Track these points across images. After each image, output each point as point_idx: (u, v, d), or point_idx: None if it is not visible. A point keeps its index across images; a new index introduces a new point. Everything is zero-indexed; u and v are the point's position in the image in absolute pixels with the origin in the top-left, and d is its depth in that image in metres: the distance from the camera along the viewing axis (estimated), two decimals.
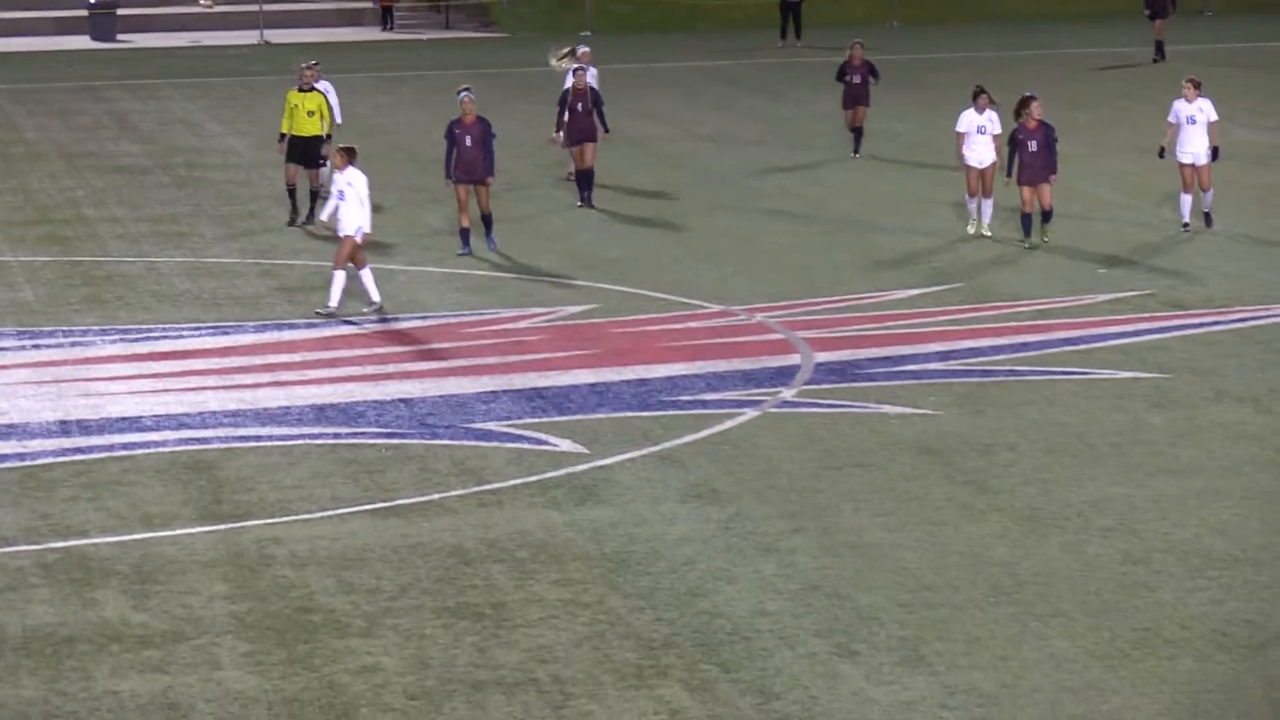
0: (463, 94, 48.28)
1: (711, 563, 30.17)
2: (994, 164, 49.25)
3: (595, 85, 53.04)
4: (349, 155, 44.05)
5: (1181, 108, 48.10)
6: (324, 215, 44.35)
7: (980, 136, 49.37)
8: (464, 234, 48.08)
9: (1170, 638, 27.25)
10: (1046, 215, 47.37)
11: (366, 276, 43.57)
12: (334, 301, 43.38)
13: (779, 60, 62.84)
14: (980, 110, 49.86)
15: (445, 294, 45.70)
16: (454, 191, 48.18)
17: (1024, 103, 47.03)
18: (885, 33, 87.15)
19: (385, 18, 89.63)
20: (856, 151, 58.95)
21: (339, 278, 43.39)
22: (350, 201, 43.12)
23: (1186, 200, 47.65)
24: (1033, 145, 46.02)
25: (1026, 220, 47.09)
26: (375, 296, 43.60)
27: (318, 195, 50.43)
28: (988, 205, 49.31)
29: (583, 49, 53.27)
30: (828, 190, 54.96)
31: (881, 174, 57.16)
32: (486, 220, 48.22)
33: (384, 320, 43.67)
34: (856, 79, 57.46)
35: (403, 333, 42.82)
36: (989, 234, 49.07)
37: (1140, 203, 47.63)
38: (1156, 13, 78.27)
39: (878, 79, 58.90)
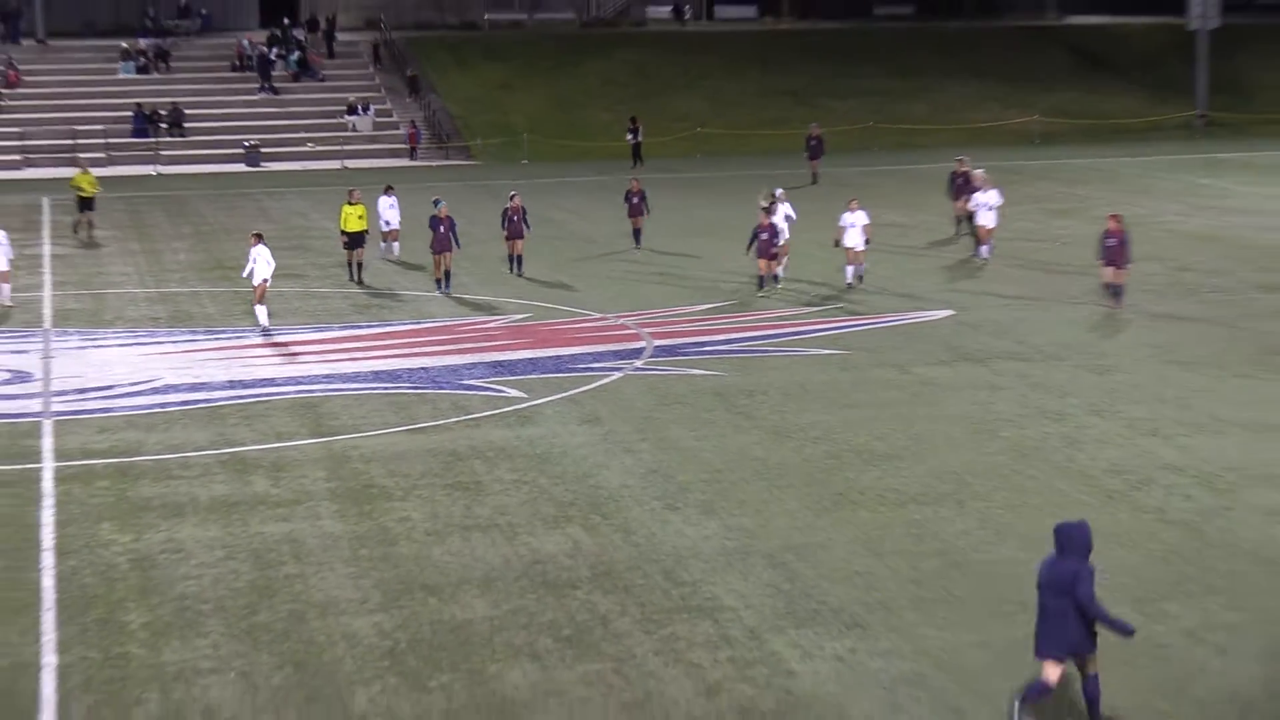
0: (440, 203, 48.80)
1: (596, 458, 30.58)
2: (785, 244, 47.57)
3: (794, 213, 50.28)
4: (259, 237, 43.94)
5: (846, 217, 47.24)
6: (249, 275, 44.06)
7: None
8: (437, 282, 48.01)
9: (854, 500, 27.72)
10: (775, 277, 46.76)
11: (261, 309, 43.07)
12: (264, 322, 42.97)
13: (635, 177, 62.42)
14: (775, 207, 47.91)
15: (446, 308, 45.81)
16: (433, 259, 48.34)
17: (766, 212, 46.48)
18: (693, 161, 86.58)
19: (412, 153, 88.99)
20: (638, 246, 55.85)
21: (259, 310, 43.07)
22: (259, 264, 42.78)
23: (849, 269, 47.09)
24: (765, 235, 45.69)
25: (762, 280, 46.22)
26: (264, 322, 43.04)
27: (362, 264, 50.53)
28: (780, 269, 47.38)
29: (780, 191, 51.88)
30: (664, 252, 54.64)
31: (692, 243, 56.73)
32: (448, 274, 48.08)
33: (410, 321, 43.79)
34: (635, 200, 55.16)
35: (422, 330, 42.92)
36: (780, 285, 47.34)
37: (838, 260, 47.49)
38: (813, 155, 75.98)
39: (647, 204, 55.83)
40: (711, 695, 20.11)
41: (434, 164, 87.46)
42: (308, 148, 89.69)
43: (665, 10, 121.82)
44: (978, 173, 54.92)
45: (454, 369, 38.50)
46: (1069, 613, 18.15)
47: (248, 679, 20.81)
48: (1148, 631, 21.76)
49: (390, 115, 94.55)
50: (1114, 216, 44.02)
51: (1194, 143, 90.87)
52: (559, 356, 39.63)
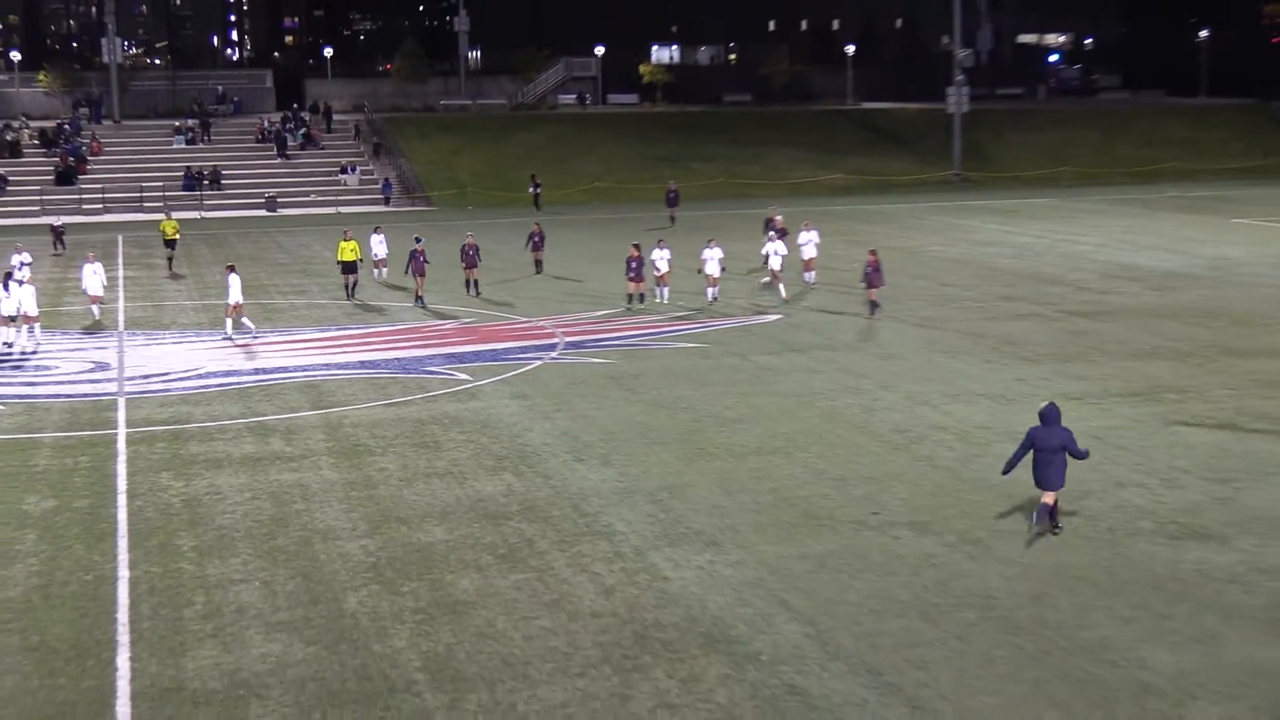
0: (421, 240, 48.57)
1: (522, 424, 30.40)
2: (667, 273, 46.66)
3: (818, 238, 49.72)
4: (232, 268, 42.60)
5: (706, 252, 46.34)
6: (232, 299, 42.06)
7: (661, 261, 46.47)
8: (418, 300, 47.17)
9: (711, 453, 27.76)
10: (639, 297, 45.71)
11: (244, 322, 41.85)
12: (230, 331, 41.65)
13: (536, 220, 62.11)
14: (661, 247, 47.26)
15: (416, 316, 45.46)
16: (414, 280, 47.58)
17: (637, 248, 46.08)
18: (590, 207, 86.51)
19: (387, 200, 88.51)
20: (540, 272, 54.37)
21: (229, 323, 41.83)
22: (233, 288, 41.39)
23: (709, 290, 46.30)
24: (634, 264, 45.06)
25: (630, 297, 45.58)
26: (230, 330, 41.70)
27: (354, 286, 49.63)
28: (663, 290, 46.64)
29: (779, 217, 50.59)
30: (569, 274, 54.39)
31: (591, 267, 56.35)
32: (422, 297, 47.22)
33: (388, 325, 43.42)
34: (537, 239, 54.37)
35: (396, 331, 42.60)
36: (659, 301, 46.34)
37: (699, 283, 47.35)
38: (670, 204, 73.94)
39: (544, 240, 54.98)
40: (608, 595, 20.08)
41: (404, 209, 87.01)
42: (311, 197, 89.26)
43: (572, 98, 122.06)
44: (778, 218, 54.76)
45: (419, 359, 38.10)
46: (1060, 462, 21.86)
47: (268, 586, 20.66)
48: (919, 545, 21.93)
49: (372, 173, 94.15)
50: (872, 250, 44.10)
51: (952, 193, 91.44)
52: (495, 349, 39.27)
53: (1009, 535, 22.50)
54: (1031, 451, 22.07)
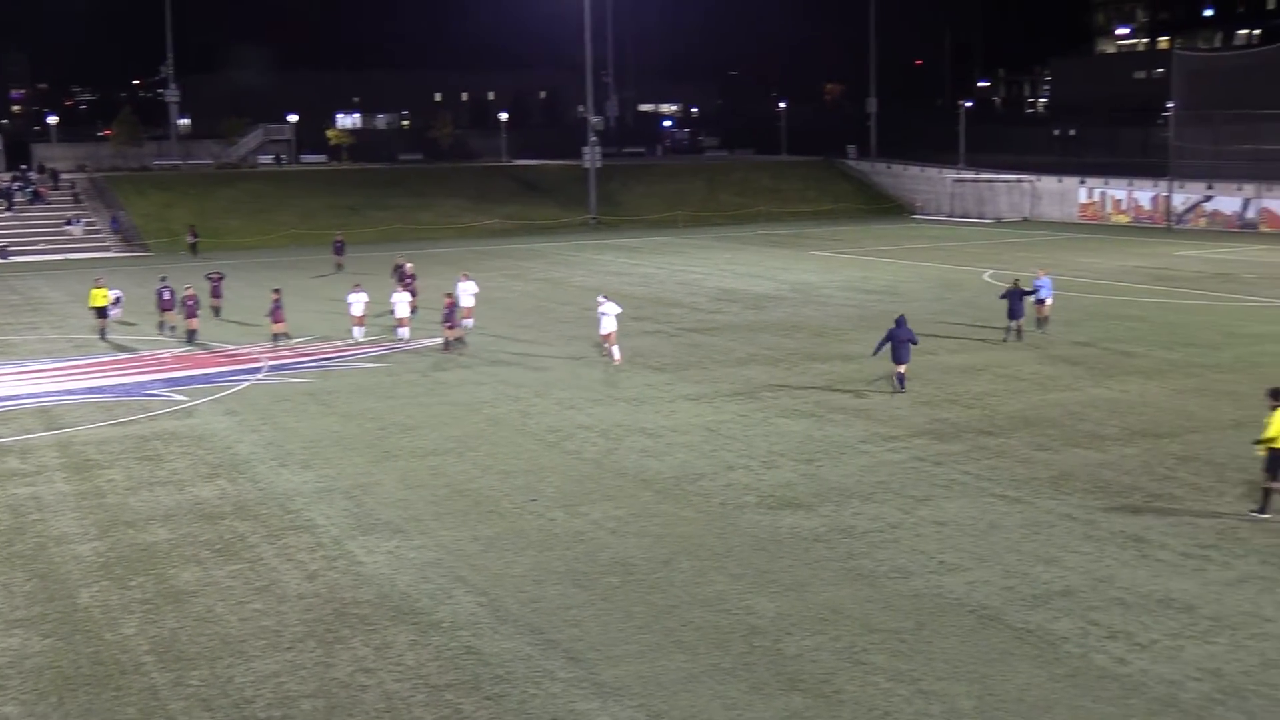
0: (165, 279, 46.16)
1: (234, 436, 29.46)
2: (363, 315, 43.09)
3: (618, 309, 39.04)
4: None
5: (396, 297, 42.90)
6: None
7: (358, 304, 42.90)
8: (160, 325, 45.10)
9: (395, 455, 27.18)
10: (278, 337, 42.32)
11: None
12: None
13: (217, 269, 59.96)
14: (357, 291, 43.39)
15: (138, 345, 43.46)
16: (160, 315, 45.13)
17: (277, 292, 43.11)
18: (286, 250, 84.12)
19: (116, 234, 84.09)
20: (217, 316, 48.23)
21: None
22: None
23: (400, 330, 42.99)
24: (275, 305, 42.40)
25: (276, 336, 42.08)
26: None
27: (106, 328, 45.83)
28: (358, 330, 43.04)
29: (409, 265, 47.53)
30: (240, 322, 52.46)
31: (289, 303, 54.38)
32: (171, 326, 44.94)
33: (124, 355, 41.36)
34: (216, 281, 49.23)
35: (121, 360, 40.72)
36: (356, 339, 42.71)
37: (388, 322, 46.40)
38: (337, 252, 66.62)
39: (222, 281, 50.26)
40: (312, 579, 19.61)
41: (124, 255, 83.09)
42: (39, 247, 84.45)
43: (269, 158, 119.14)
44: (407, 265, 52.02)
45: (141, 384, 36.42)
46: (908, 347, 31.88)
47: (6, 588, 19.45)
48: (571, 524, 22.10)
49: (95, 225, 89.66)
50: (448, 294, 42.64)
51: (589, 234, 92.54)
52: (208, 373, 37.88)
53: (644, 514, 22.91)
54: (890, 341, 31.84)
